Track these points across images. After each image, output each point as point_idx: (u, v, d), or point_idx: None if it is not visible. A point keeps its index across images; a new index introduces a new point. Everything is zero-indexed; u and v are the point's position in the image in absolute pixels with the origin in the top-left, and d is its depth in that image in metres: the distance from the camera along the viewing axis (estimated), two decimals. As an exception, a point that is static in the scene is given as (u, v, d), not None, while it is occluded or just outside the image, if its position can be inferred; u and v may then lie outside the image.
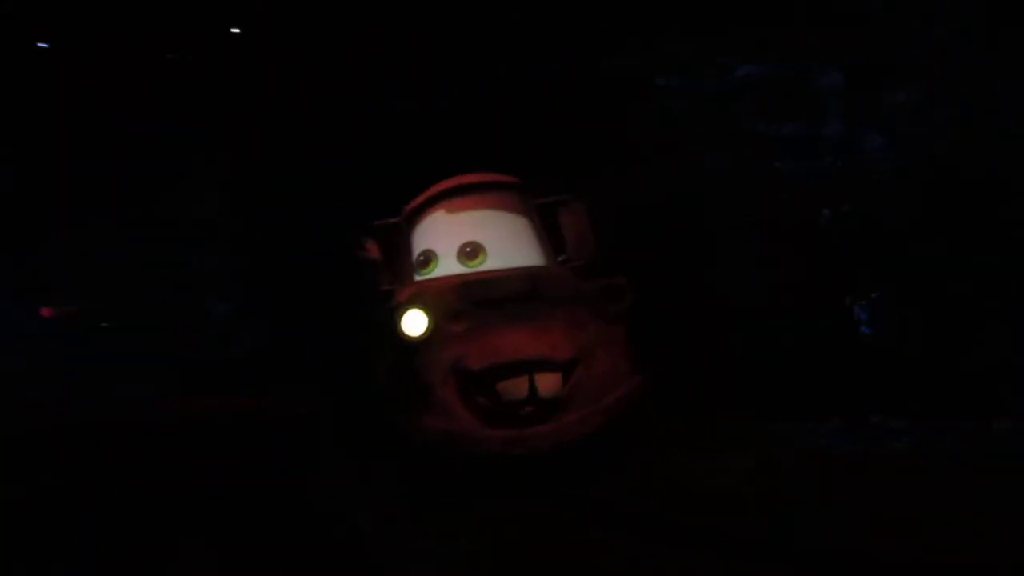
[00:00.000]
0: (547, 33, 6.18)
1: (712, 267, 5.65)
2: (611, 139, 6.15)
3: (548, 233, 5.57)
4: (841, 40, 6.17)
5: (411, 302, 4.84)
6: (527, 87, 6.05)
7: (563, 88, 6.17)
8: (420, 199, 5.38)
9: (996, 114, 5.64)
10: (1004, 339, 4.97)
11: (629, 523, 4.26)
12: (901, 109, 6.07)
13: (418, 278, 5.27)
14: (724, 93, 6.28)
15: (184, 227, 4.63)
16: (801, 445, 4.94)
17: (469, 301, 4.89)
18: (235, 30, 5.18)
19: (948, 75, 5.87)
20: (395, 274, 5.36)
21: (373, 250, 5.40)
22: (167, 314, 4.62)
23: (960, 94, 5.81)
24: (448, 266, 5.24)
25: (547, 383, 4.66)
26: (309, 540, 4.19)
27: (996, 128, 5.62)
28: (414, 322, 4.76)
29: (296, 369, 4.41)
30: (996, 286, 5.05)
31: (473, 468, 4.63)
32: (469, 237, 5.30)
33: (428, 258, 5.29)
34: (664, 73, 6.13)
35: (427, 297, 4.88)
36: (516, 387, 4.64)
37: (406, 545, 4.03)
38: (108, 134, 5.01)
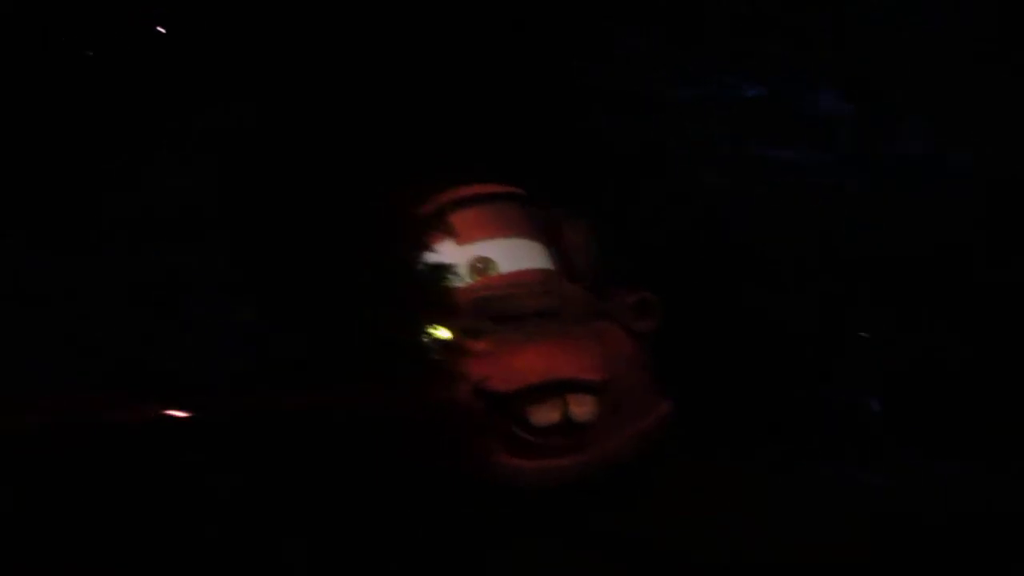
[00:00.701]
0: (548, 39, 5.82)
1: (739, 290, 5.30)
2: (611, 151, 5.81)
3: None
4: (847, 61, 5.97)
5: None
6: (524, 94, 5.66)
7: (560, 97, 5.80)
8: (425, 209, 4.91)
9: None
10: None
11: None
12: (910, 134, 5.88)
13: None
14: (731, 110, 6.00)
15: (178, 216, 3.96)
16: (849, 493, 4.53)
17: (488, 317, 4.47)
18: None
19: (961, 98, 5.70)
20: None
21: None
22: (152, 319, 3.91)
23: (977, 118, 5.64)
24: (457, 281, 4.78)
25: (582, 406, 4.25)
26: None
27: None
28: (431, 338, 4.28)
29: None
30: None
31: (499, 502, 4.16)
32: (479, 252, 4.87)
33: (434, 272, 4.82)
34: (669, 86, 5.82)
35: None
36: (548, 411, 4.21)
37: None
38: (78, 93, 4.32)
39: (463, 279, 4.73)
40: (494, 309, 4.50)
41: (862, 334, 5.36)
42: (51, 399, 3.76)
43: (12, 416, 3.62)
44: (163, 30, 4.65)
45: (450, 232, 4.85)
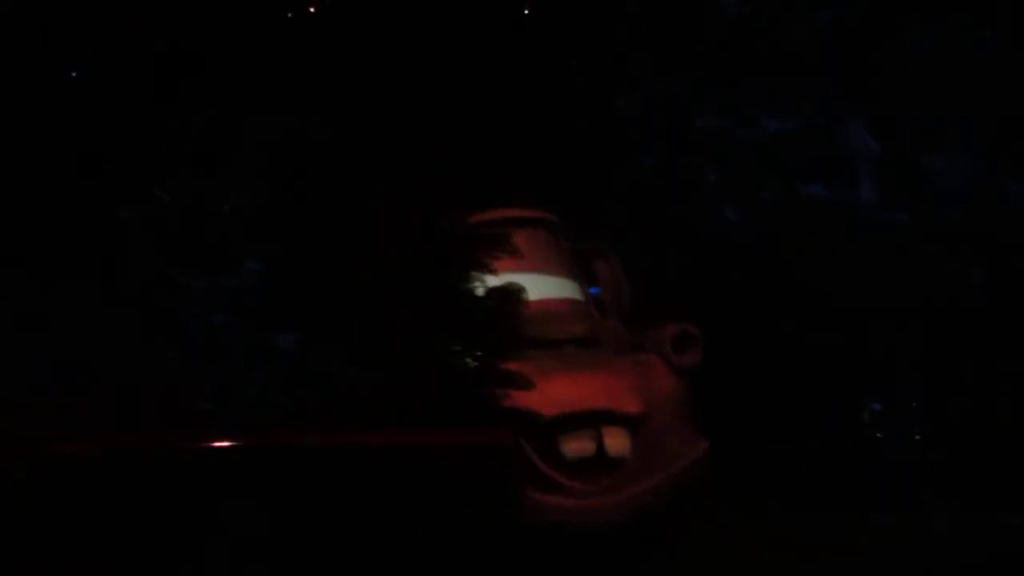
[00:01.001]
0: (565, 73, 5.70)
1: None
2: (641, 185, 5.66)
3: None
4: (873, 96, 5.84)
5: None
6: (555, 127, 5.52)
7: (590, 130, 5.66)
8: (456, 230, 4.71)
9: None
10: None
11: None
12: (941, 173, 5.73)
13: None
14: (751, 146, 5.86)
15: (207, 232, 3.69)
16: (918, 549, 4.21)
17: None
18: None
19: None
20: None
21: None
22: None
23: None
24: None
25: (615, 440, 4.00)
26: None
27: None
28: (461, 362, 4.03)
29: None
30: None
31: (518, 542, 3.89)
32: (506, 277, 4.65)
33: (458, 296, 4.61)
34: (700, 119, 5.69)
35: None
36: (582, 442, 3.97)
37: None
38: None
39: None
40: (528, 334, 4.26)
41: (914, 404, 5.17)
42: (80, 430, 3.51)
43: (42, 447, 3.37)
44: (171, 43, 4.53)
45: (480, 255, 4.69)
